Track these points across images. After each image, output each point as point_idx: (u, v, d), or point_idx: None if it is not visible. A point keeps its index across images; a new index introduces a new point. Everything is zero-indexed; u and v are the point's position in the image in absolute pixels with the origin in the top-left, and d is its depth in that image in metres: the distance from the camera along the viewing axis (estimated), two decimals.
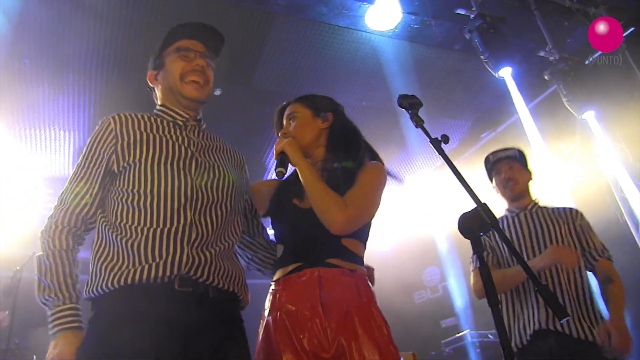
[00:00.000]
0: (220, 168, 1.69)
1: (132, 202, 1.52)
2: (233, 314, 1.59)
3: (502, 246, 2.63)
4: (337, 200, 1.62)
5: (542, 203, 2.76)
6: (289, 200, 1.78)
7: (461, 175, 1.46)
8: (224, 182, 1.68)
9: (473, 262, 2.63)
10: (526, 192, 2.74)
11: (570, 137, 5.12)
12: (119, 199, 1.55)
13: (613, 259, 2.58)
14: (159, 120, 1.69)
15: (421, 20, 4.15)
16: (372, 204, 1.71)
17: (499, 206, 2.73)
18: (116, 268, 1.44)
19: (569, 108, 4.40)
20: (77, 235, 1.58)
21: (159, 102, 1.78)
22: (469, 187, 1.42)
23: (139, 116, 1.67)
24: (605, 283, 2.50)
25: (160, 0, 3.84)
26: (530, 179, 2.78)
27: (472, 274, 2.66)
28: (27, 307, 3.35)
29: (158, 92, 1.80)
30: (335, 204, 1.61)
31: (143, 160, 1.56)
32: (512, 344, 2.42)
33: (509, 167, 2.72)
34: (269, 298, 1.69)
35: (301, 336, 1.54)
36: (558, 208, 2.72)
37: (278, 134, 1.92)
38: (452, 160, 1.53)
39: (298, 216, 1.73)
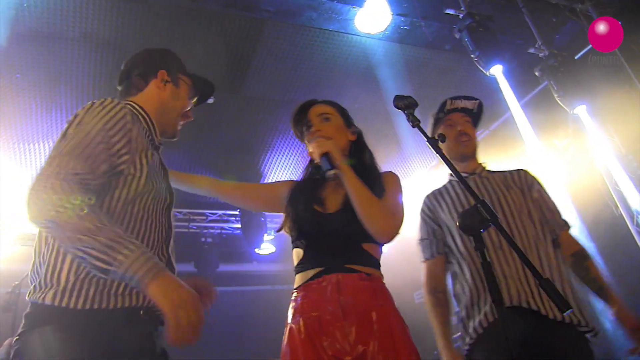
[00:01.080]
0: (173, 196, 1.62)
1: (129, 216, 1.39)
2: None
3: (447, 227, 2.22)
4: (384, 209, 1.69)
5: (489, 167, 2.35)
6: (309, 206, 1.79)
7: (459, 173, 1.48)
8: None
9: (423, 251, 2.28)
10: (476, 152, 2.34)
11: (563, 132, 5.15)
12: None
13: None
14: (145, 127, 1.56)
15: (411, 22, 4.17)
16: (404, 215, 1.78)
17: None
18: (99, 290, 1.28)
19: (561, 103, 4.43)
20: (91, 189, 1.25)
21: (146, 106, 1.62)
22: (466, 184, 1.43)
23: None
24: (580, 260, 2.11)
25: (150, 12, 3.84)
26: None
27: (423, 265, 2.29)
28: None
29: (154, 92, 1.66)
30: (384, 213, 1.68)
31: (145, 172, 1.42)
32: (477, 322, 2.01)
33: (465, 120, 2.34)
34: (291, 305, 1.71)
35: (323, 339, 1.57)
36: (510, 171, 2.29)
37: (295, 129, 1.95)
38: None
39: (319, 222, 1.74)
